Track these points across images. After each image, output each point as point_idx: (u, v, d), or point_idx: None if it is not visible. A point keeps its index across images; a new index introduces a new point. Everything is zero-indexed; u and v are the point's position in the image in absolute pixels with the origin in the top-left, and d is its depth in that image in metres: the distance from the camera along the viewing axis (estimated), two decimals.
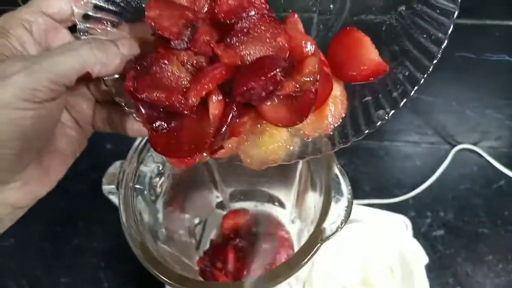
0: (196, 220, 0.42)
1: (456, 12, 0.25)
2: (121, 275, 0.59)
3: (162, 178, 0.34)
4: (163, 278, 0.25)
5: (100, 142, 0.71)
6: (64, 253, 0.62)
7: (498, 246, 0.59)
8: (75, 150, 0.28)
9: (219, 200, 0.45)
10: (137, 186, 0.31)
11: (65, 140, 0.27)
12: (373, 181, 0.66)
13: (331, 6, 0.31)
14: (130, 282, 0.58)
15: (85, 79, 0.23)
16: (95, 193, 0.65)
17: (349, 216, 0.26)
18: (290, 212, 0.43)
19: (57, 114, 0.24)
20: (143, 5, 0.27)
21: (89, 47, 0.23)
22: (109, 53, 0.24)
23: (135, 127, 0.28)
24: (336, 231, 0.25)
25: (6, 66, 0.21)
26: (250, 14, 0.25)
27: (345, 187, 0.26)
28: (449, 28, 0.26)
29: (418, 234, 0.59)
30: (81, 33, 0.25)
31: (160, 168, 0.33)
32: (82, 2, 0.25)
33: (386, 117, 0.28)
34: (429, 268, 0.51)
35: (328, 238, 0.25)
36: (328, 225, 0.25)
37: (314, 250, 0.25)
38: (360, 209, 0.56)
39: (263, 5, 0.25)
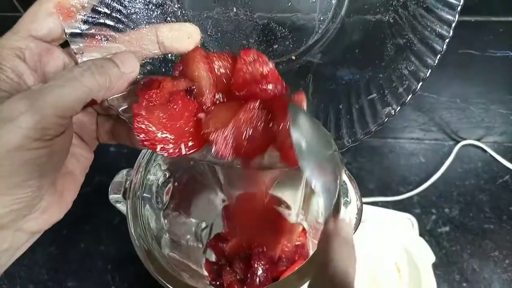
0: (203, 224, 0.42)
1: (461, 5, 0.25)
2: (128, 278, 0.59)
3: (169, 185, 0.34)
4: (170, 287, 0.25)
5: (104, 145, 0.71)
6: (71, 257, 0.62)
7: (504, 241, 0.59)
8: (85, 167, 0.28)
9: (225, 203, 0.45)
10: (145, 195, 0.31)
11: (73, 160, 0.27)
12: (377, 179, 0.66)
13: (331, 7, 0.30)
14: (137, 284, 0.58)
15: (90, 105, 0.23)
16: (100, 196, 0.65)
17: (359, 224, 0.25)
18: (297, 214, 0.43)
19: (68, 142, 0.24)
20: (133, 12, 0.26)
21: (91, 74, 0.22)
22: (111, 76, 0.23)
23: None
24: None
25: (9, 106, 0.20)
26: None
27: (354, 193, 0.26)
28: (453, 21, 0.25)
29: (423, 231, 0.59)
30: (76, 54, 0.24)
31: (167, 176, 0.33)
32: (73, 20, 0.24)
33: (393, 113, 0.28)
34: (436, 265, 0.51)
35: None
36: None
37: None
38: (365, 208, 0.56)
39: None
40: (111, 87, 0.23)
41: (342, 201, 0.26)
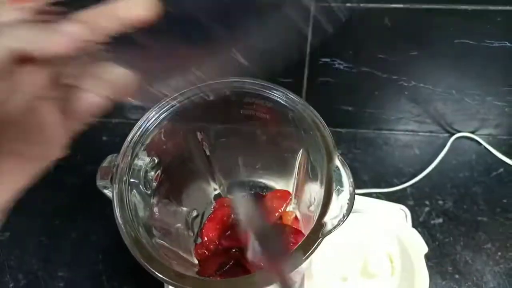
0: (194, 213, 0.41)
1: None
2: (120, 269, 0.58)
3: (158, 172, 0.33)
4: (161, 276, 0.25)
5: (96, 134, 0.70)
6: (62, 248, 0.61)
7: (497, 234, 0.59)
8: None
9: (216, 192, 0.45)
10: (132, 180, 0.30)
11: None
12: (371, 171, 0.65)
13: None
14: (129, 276, 0.58)
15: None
16: (92, 186, 0.64)
17: (351, 210, 0.25)
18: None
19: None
20: None
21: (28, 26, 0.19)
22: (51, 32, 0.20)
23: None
24: (338, 225, 0.24)
25: None
26: None
27: (346, 179, 0.26)
28: None
29: (417, 223, 0.59)
30: None
31: (156, 161, 0.32)
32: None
33: None
34: (428, 257, 0.51)
35: (329, 232, 0.24)
36: (330, 219, 0.25)
37: (315, 245, 0.24)
38: (358, 199, 0.55)
39: None
40: (51, 43, 0.20)
41: (335, 189, 0.26)
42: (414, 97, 0.60)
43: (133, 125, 0.32)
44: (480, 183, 0.63)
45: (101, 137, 0.71)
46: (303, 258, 0.24)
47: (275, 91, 0.30)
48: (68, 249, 0.61)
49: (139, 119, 0.32)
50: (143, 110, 0.33)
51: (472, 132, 0.67)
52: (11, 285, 0.58)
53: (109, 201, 0.65)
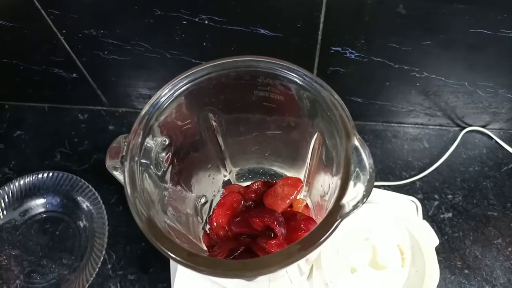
0: (203, 200, 0.41)
1: None
2: (125, 256, 0.58)
3: (169, 153, 0.32)
4: (174, 256, 0.24)
5: (102, 123, 0.69)
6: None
7: (507, 229, 0.58)
8: None
9: (226, 179, 0.44)
10: (143, 160, 0.29)
11: None
12: (380, 163, 0.64)
13: None
14: (134, 263, 0.57)
15: None
16: (98, 174, 0.64)
17: (370, 191, 0.24)
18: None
19: None
20: None
21: None
22: None
23: None
24: (356, 207, 0.24)
25: None
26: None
27: (366, 160, 0.25)
28: None
29: (425, 216, 0.58)
30: None
31: (167, 142, 0.31)
32: None
33: None
34: (437, 251, 0.50)
35: (348, 214, 0.24)
36: (348, 201, 0.24)
37: (333, 228, 0.23)
38: None
39: None
40: None
41: (353, 170, 0.25)
42: (425, 88, 0.59)
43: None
44: (491, 178, 0.62)
45: (107, 126, 0.70)
46: (321, 240, 0.23)
47: (292, 71, 0.29)
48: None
49: None
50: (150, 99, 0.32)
51: (483, 126, 0.66)
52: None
53: (114, 189, 0.64)
